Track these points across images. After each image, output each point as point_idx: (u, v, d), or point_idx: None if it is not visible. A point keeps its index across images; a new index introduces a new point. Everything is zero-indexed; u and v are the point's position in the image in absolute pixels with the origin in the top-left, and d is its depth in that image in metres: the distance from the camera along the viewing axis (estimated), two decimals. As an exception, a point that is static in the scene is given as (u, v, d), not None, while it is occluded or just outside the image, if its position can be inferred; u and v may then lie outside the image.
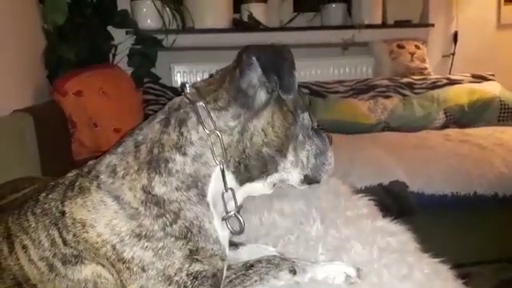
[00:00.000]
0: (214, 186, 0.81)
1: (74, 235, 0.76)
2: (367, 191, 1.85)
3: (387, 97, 2.97)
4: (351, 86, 3.05)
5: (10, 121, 1.53)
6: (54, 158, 1.75)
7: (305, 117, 0.89)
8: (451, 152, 2.26)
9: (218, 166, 0.79)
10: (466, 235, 2.01)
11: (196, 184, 0.79)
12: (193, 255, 0.76)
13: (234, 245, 1.12)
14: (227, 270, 0.94)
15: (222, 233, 0.84)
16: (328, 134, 0.98)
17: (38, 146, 1.62)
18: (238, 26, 3.08)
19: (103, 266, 0.76)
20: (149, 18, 2.86)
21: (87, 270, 0.77)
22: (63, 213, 0.78)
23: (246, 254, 1.08)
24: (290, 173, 0.89)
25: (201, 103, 0.80)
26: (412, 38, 3.30)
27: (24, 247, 0.80)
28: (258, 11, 3.07)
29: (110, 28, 2.73)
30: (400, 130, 2.72)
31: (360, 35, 3.20)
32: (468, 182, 2.09)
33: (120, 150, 0.82)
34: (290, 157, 0.87)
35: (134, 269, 0.73)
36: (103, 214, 0.75)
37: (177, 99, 0.86)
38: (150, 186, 0.77)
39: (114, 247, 0.74)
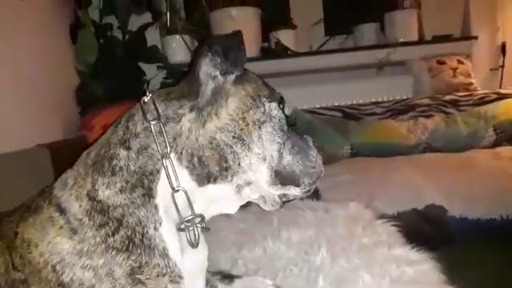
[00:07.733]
0: (164, 186, 0.73)
1: (21, 257, 0.73)
2: (400, 217, 1.70)
3: (429, 116, 2.76)
4: (388, 106, 2.87)
5: (26, 154, 1.56)
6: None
7: (272, 106, 0.79)
8: (500, 171, 2.01)
9: (167, 160, 0.72)
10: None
11: (142, 182, 0.72)
12: (134, 274, 0.69)
13: (229, 277, 1.04)
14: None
15: (175, 244, 0.75)
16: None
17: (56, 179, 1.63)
18: (267, 53, 3.05)
19: None
20: (178, 53, 2.91)
21: None
22: (16, 234, 0.75)
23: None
24: (258, 170, 0.76)
25: (149, 97, 0.77)
26: (453, 52, 3.10)
27: None
28: (287, 38, 3.04)
29: (141, 64, 2.81)
30: (443, 150, 2.46)
31: (396, 54, 3.04)
32: (521, 204, 1.84)
33: (75, 163, 0.80)
34: (256, 148, 0.75)
35: None
36: (48, 232, 0.72)
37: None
38: (93, 190, 0.73)
39: (54, 268, 0.70)
